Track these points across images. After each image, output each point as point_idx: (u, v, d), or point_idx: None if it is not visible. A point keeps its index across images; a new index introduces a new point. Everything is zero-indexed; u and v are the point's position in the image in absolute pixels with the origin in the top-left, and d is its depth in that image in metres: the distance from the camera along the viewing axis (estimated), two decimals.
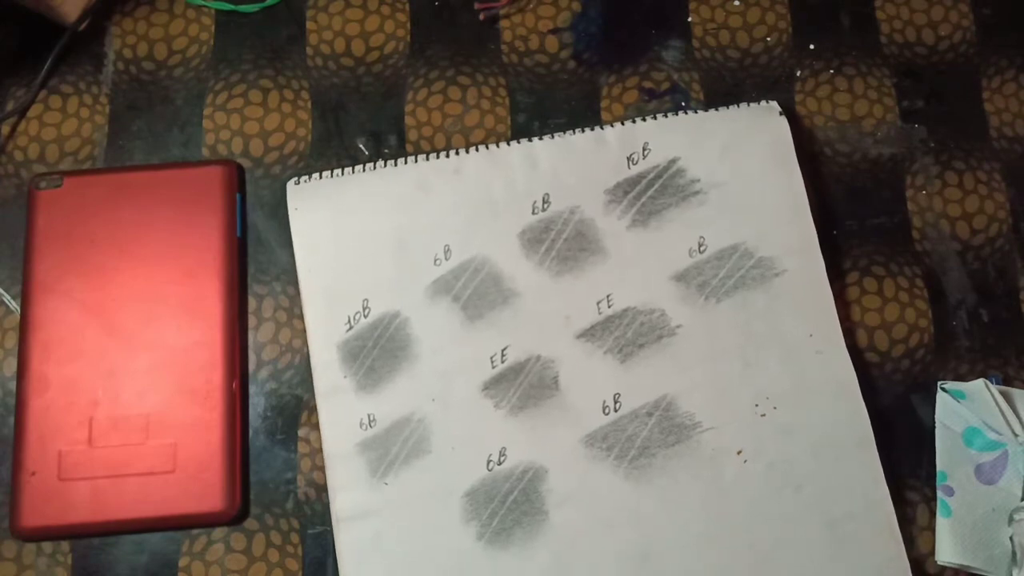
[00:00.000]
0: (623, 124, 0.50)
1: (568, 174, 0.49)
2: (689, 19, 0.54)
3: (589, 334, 0.47)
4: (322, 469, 0.47)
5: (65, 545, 0.46)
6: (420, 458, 0.45)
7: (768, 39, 0.54)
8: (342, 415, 0.46)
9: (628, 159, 0.49)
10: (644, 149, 0.49)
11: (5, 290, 0.49)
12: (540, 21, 0.54)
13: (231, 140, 0.52)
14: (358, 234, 0.48)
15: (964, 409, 0.46)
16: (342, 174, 0.50)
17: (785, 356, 0.47)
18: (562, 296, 0.48)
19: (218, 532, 0.46)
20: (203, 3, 0.53)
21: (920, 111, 0.52)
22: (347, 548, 0.45)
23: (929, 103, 0.53)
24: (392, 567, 0.44)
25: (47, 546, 0.46)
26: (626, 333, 0.47)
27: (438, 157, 0.50)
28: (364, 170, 0.50)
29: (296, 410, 0.48)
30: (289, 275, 0.49)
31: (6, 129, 0.52)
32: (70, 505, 0.45)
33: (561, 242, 0.48)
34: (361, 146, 0.52)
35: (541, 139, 0.50)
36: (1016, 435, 0.45)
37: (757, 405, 0.46)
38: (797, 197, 0.49)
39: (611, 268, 0.48)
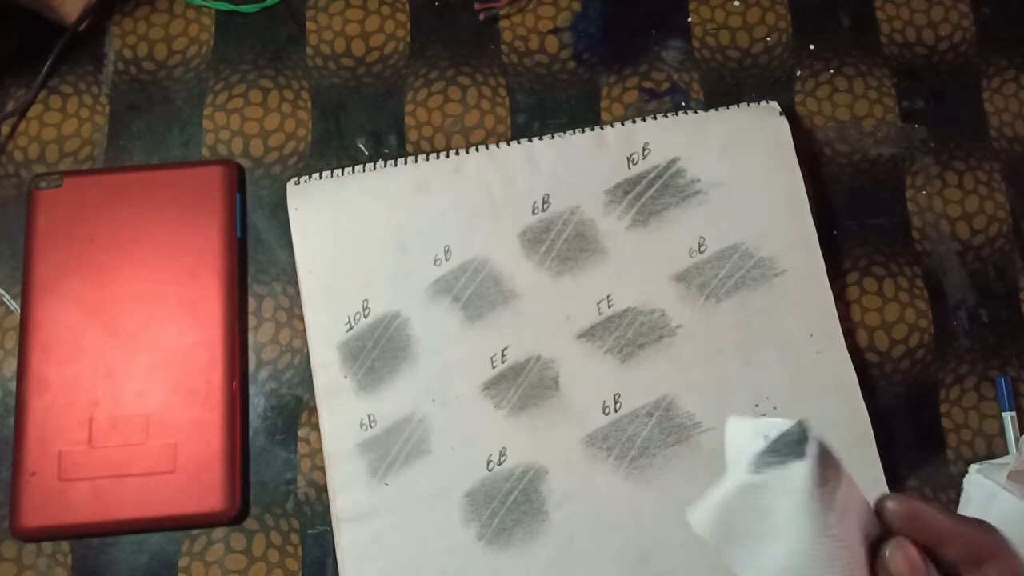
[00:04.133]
0: (623, 124, 0.50)
1: (568, 174, 0.49)
2: (689, 19, 0.54)
3: (589, 334, 0.47)
4: (322, 469, 0.47)
5: (65, 545, 0.46)
6: (420, 458, 0.45)
7: (768, 39, 0.53)
8: (342, 415, 0.46)
9: (628, 159, 0.49)
10: (644, 149, 0.49)
11: (5, 290, 0.49)
12: (540, 21, 0.54)
13: (231, 140, 0.51)
14: (358, 234, 0.48)
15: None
16: (342, 174, 0.49)
17: (785, 356, 0.46)
18: (562, 296, 0.47)
19: (218, 532, 0.46)
20: (203, 3, 0.53)
21: (920, 111, 0.52)
22: (347, 548, 0.45)
23: (929, 103, 0.53)
24: (392, 567, 0.44)
25: (47, 546, 0.46)
26: (626, 333, 0.47)
27: (438, 157, 0.50)
28: (364, 170, 0.50)
29: (296, 410, 0.48)
30: (289, 275, 0.49)
31: (6, 129, 0.51)
32: (70, 505, 0.45)
33: (561, 242, 0.48)
34: (361, 146, 0.52)
35: (541, 139, 0.50)
36: None
37: (757, 405, 0.46)
38: (797, 197, 0.49)
39: (611, 268, 0.48)
